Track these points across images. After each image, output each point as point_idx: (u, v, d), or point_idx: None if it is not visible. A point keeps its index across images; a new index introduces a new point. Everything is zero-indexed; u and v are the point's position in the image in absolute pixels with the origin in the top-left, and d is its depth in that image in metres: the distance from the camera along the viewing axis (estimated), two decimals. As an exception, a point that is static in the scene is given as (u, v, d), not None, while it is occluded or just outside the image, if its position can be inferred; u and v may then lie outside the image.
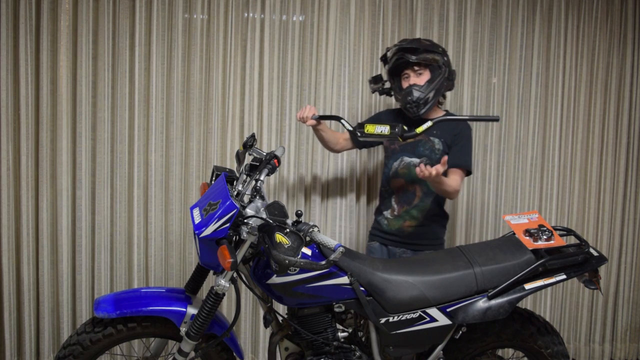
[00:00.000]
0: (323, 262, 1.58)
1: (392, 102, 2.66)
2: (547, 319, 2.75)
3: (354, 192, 2.65)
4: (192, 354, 1.78)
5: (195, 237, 1.65)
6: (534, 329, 1.89)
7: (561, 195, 2.83)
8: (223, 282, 1.66)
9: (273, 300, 1.86)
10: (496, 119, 1.94)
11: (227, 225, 1.58)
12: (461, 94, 2.69)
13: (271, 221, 1.57)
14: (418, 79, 2.16)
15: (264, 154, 1.81)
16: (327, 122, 2.56)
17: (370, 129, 1.95)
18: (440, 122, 1.99)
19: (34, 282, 2.49)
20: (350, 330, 1.88)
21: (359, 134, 1.95)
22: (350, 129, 2.06)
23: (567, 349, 2.29)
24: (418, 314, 1.76)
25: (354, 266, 1.76)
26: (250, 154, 1.87)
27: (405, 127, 1.92)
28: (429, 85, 2.14)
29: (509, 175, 2.78)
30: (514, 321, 1.89)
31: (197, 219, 1.66)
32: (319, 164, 2.64)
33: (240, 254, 1.64)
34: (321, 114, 2.62)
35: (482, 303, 1.76)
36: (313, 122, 2.14)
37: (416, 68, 2.15)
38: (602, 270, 2.84)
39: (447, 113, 2.29)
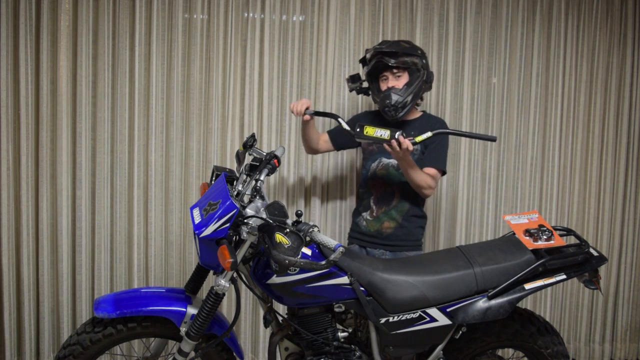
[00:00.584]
0: (323, 262, 1.58)
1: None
2: (547, 319, 2.75)
3: (353, 192, 2.65)
4: (192, 354, 1.78)
5: (195, 237, 1.65)
6: (534, 329, 1.89)
7: (561, 195, 2.83)
8: (223, 282, 1.66)
9: (273, 300, 1.86)
10: (493, 139, 1.92)
11: (227, 225, 1.58)
12: (461, 94, 2.70)
13: (271, 221, 1.57)
14: (396, 82, 2.15)
15: (264, 154, 1.81)
16: (319, 119, 2.56)
17: (370, 131, 1.95)
18: (438, 135, 2.01)
19: (34, 282, 2.49)
20: (350, 330, 1.88)
21: (356, 135, 1.96)
22: (348, 128, 2.07)
23: (567, 349, 2.29)
24: (418, 314, 1.76)
25: (354, 266, 1.76)
26: (250, 154, 1.87)
27: (404, 135, 1.92)
28: (407, 89, 2.14)
29: (509, 175, 2.78)
30: (514, 321, 1.89)
31: (197, 219, 1.66)
32: (319, 164, 2.64)
33: (240, 254, 1.64)
34: (319, 118, 2.62)
35: (482, 303, 1.76)
36: (308, 117, 2.13)
37: (395, 71, 2.15)
38: (602, 270, 2.84)
39: (424, 114, 2.31)
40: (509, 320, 1.89)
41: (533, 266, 1.73)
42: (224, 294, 1.70)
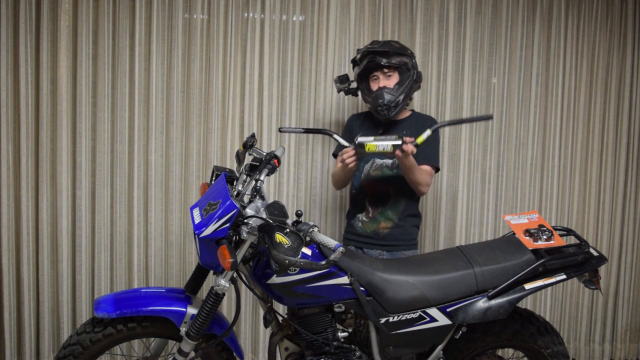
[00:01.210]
0: (323, 262, 1.58)
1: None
2: (547, 319, 2.75)
3: (354, 192, 2.65)
4: (192, 354, 1.78)
5: (195, 237, 1.65)
6: (534, 329, 1.89)
7: (561, 195, 2.83)
8: (223, 282, 1.66)
9: (273, 300, 1.86)
10: (490, 117, 1.95)
11: (227, 225, 1.58)
12: (461, 94, 2.69)
13: (271, 221, 1.57)
14: (387, 82, 2.16)
15: (264, 154, 1.81)
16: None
17: (372, 147, 1.95)
18: (438, 128, 2.02)
19: (34, 282, 2.49)
20: (350, 330, 1.88)
21: (358, 150, 1.97)
22: (346, 144, 2.07)
23: (567, 349, 2.29)
24: (418, 314, 1.76)
25: (354, 266, 1.76)
26: (250, 154, 1.86)
27: (404, 139, 1.93)
28: (399, 88, 2.15)
29: (509, 175, 2.78)
30: (514, 321, 1.89)
31: (197, 219, 1.66)
32: (319, 164, 2.64)
33: (240, 254, 1.64)
34: (320, 114, 2.63)
35: (482, 303, 1.76)
36: (353, 163, 2.03)
37: (386, 70, 2.16)
38: (602, 270, 2.84)
39: (414, 113, 2.32)
40: (509, 320, 1.89)
41: (533, 266, 1.73)
42: (224, 294, 1.70)
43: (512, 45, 2.73)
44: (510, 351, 2.54)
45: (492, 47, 2.72)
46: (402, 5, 2.64)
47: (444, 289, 1.77)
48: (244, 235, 1.59)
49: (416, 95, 2.66)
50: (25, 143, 2.41)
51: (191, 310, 1.75)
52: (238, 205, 1.59)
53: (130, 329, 1.77)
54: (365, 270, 1.76)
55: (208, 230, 1.59)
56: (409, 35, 2.66)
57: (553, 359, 1.90)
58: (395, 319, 1.76)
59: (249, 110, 2.59)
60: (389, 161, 2.20)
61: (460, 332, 1.84)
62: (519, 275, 1.74)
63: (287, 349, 1.87)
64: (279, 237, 1.53)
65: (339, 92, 2.35)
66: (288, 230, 1.56)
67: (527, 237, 1.80)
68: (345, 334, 1.86)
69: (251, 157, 1.84)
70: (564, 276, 1.77)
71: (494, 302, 1.75)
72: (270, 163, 1.75)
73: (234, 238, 1.64)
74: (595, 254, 1.82)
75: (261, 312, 2.65)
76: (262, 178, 1.70)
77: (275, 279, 1.70)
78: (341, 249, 1.53)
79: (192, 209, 1.74)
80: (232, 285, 1.70)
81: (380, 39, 2.61)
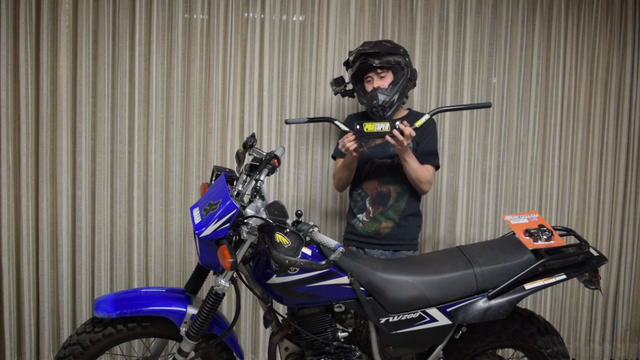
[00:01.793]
0: (323, 262, 1.58)
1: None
2: (547, 319, 2.75)
3: (354, 192, 2.66)
4: (192, 354, 1.78)
5: (195, 237, 1.65)
6: (534, 329, 1.89)
7: (561, 195, 2.83)
8: (223, 282, 1.66)
9: (273, 300, 1.86)
10: (489, 105, 1.97)
11: (227, 225, 1.58)
12: (461, 93, 2.69)
13: (271, 221, 1.57)
14: (381, 82, 2.17)
15: (264, 154, 1.81)
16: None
17: (370, 127, 1.97)
18: (436, 113, 2.06)
19: (34, 282, 2.49)
20: (350, 330, 1.88)
21: (357, 134, 1.99)
22: (346, 128, 2.08)
23: (567, 349, 2.29)
24: (418, 314, 1.76)
25: (354, 266, 1.76)
26: (250, 154, 1.86)
27: (404, 123, 1.94)
28: (393, 88, 2.16)
29: (509, 175, 2.78)
30: (514, 321, 1.89)
31: (197, 219, 1.66)
32: (319, 164, 2.64)
33: (240, 254, 1.64)
34: (320, 114, 2.63)
35: (482, 303, 1.76)
36: (354, 145, 2.05)
37: (379, 71, 2.16)
38: (602, 270, 2.84)
39: (411, 111, 2.32)
40: (509, 320, 1.89)
41: (533, 266, 1.73)
42: (224, 294, 1.70)
43: (512, 45, 2.73)
44: (510, 351, 2.54)
45: (492, 47, 2.72)
46: (402, 5, 2.64)
47: (444, 289, 1.77)
48: (244, 235, 1.59)
49: (416, 95, 2.66)
50: (25, 143, 2.41)
51: (191, 310, 1.75)
52: (238, 205, 1.59)
53: (130, 329, 1.77)
54: (365, 270, 1.76)
55: (208, 230, 1.59)
56: (409, 35, 2.66)
57: (553, 359, 1.90)
58: (395, 319, 1.76)
59: (249, 110, 2.59)
60: (388, 160, 2.20)
61: (460, 332, 1.84)
62: (519, 275, 1.74)
63: (287, 349, 1.87)
64: (279, 237, 1.53)
65: (335, 94, 2.36)
66: (288, 230, 1.56)
67: (527, 237, 1.80)
68: (345, 334, 1.86)
69: (251, 157, 1.84)
70: (564, 276, 1.77)
71: (494, 302, 1.75)
72: (270, 163, 1.75)
73: (234, 238, 1.64)
74: (595, 254, 1.82)
75: (261, 312, 2.65)
76: (262, 178, 1.70)
77: (275, 279, 1.70)
78: (341, 249, 1.53)
79: (192, 209, 1.74)
80: (232, 285, 1.70)
81: (379, 39, 2.61)
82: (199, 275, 1.87)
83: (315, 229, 1.61)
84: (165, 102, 2.54)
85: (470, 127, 2.72)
